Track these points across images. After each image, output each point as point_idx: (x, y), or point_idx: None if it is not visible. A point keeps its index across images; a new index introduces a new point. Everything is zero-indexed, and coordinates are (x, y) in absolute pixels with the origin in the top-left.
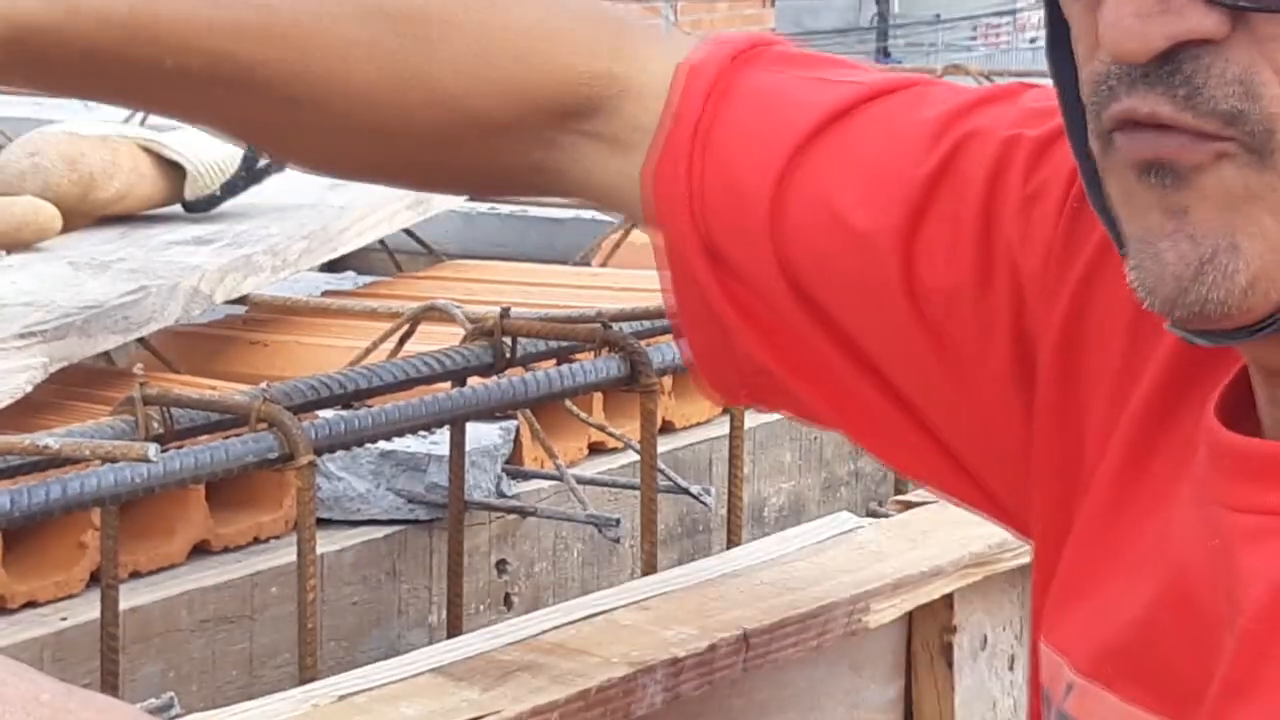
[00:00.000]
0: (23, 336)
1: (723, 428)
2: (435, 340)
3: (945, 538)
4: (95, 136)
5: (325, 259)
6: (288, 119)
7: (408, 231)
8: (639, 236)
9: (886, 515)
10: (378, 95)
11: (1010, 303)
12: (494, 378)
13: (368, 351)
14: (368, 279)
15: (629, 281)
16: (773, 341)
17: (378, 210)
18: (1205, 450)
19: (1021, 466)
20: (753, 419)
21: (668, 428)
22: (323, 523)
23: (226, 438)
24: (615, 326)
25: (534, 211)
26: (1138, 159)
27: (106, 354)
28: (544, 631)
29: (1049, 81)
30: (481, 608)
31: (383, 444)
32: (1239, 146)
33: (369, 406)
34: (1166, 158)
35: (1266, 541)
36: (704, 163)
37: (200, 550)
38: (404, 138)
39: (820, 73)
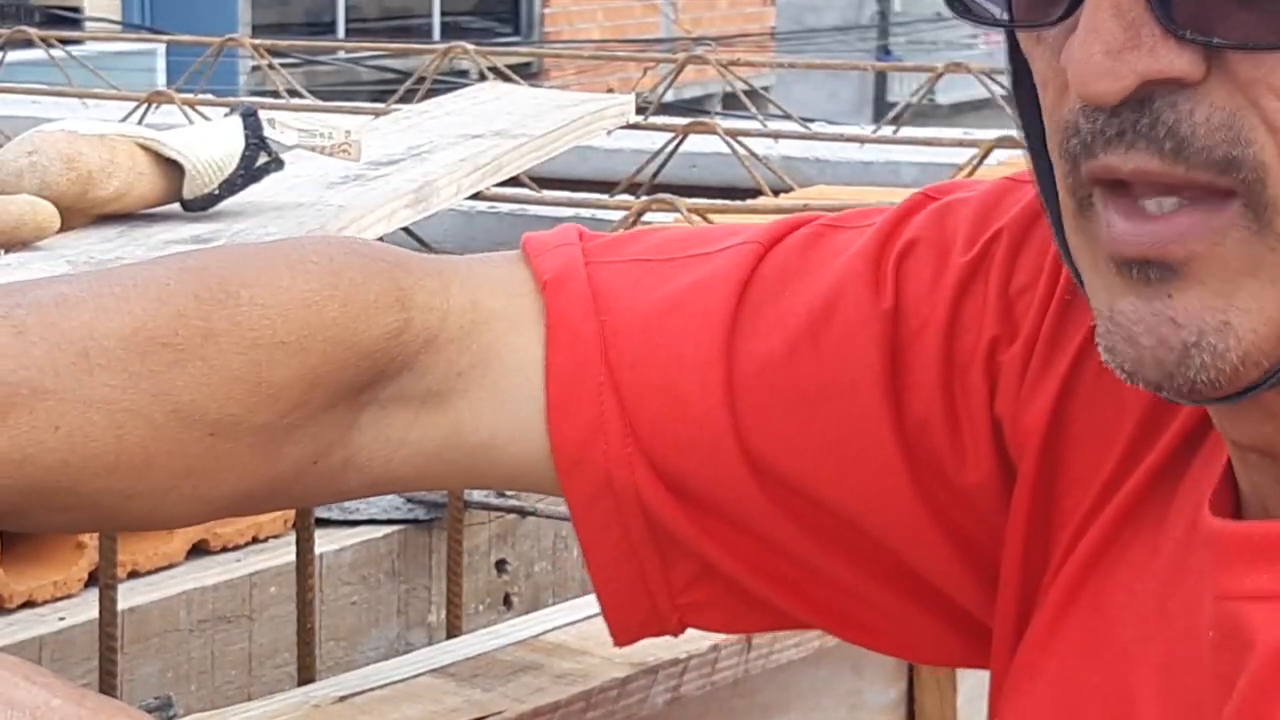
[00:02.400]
0: None
1: None
2: None
3: None
4: (93, 135)
5: None
6: (23, 501)
7: (407, 230)
8: None
9: None
10: (126, 445)
11: (985, 397)
12: None
13: None
14: None
15: None
16: (734, 552)
17: (376, 209)
18: (1196, 538)
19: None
20: None
21: None
22: (322, 522)
23: None
24: None
25: (533, 210)
26: (1123, 254)
27: None
28: (546, 631)
29: None
30: (481, 607)
31: None
32: (1239, 202)
33: None
34: (1155, 258)
35: (1267, 610)
36: (623, 379)
37: (199, 550)
38: (164, 479)
39: (668, 250)
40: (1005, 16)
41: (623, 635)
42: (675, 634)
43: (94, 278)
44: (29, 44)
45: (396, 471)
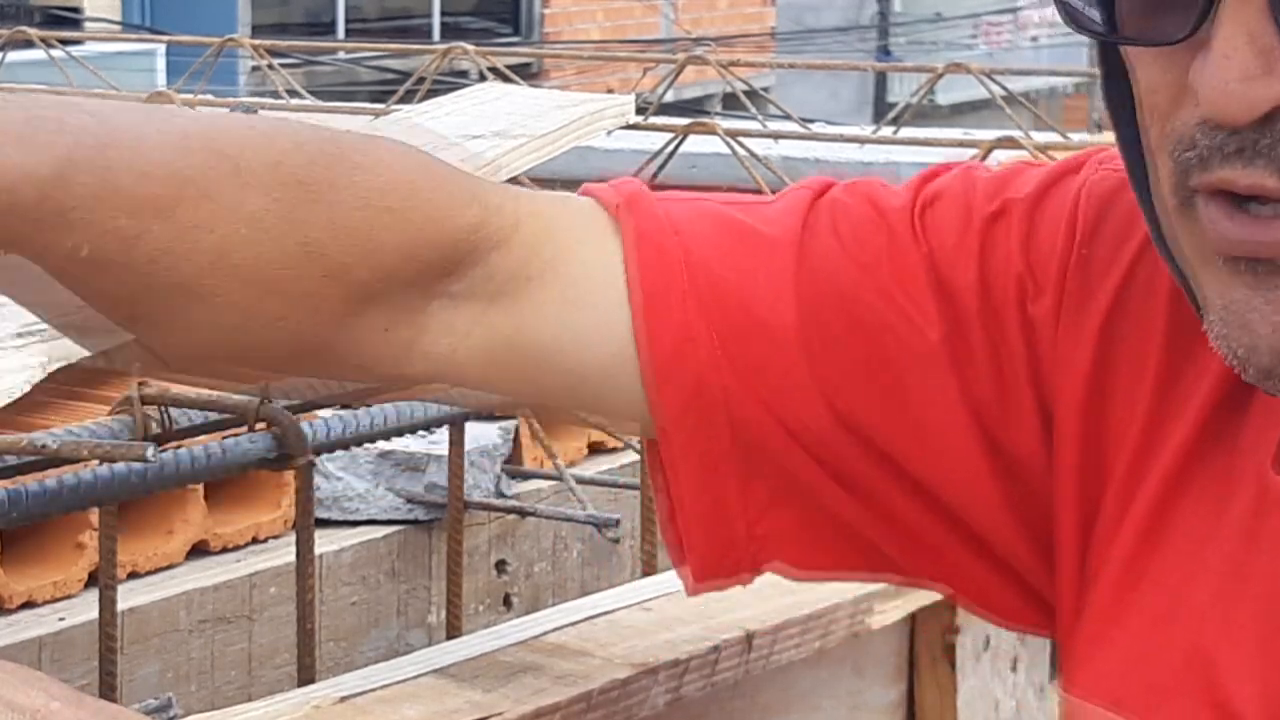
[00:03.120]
0: (21, 336)
1: None
2: None
3: None
4: None
5: None
6: (167, 302)
7: None
8: None
9: None
10: (262, 263)
11: (1025, 350)
12: None
13: None
14: None
15: None
16: (808, 475)
17: None
18: (1271, 501)
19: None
20: None
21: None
22: (321, 523)
23: (225, 437)
24: None
25: None
26: (1229, 253)
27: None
28: (546, 632)
29: (1051, 80)
30: (481, 608)
31: (382, 444)
32: None
33: (368, 406)
34: (1265, 256)
35: None
36: (707, 295)
37: (199, 550)
38: (277, 306)
39: (725, 198)
40: (1113, 28)
41: (700, 573)
42: (749, 578)
43: (234, 115)
44: (29, 44)
45: (459, 364)
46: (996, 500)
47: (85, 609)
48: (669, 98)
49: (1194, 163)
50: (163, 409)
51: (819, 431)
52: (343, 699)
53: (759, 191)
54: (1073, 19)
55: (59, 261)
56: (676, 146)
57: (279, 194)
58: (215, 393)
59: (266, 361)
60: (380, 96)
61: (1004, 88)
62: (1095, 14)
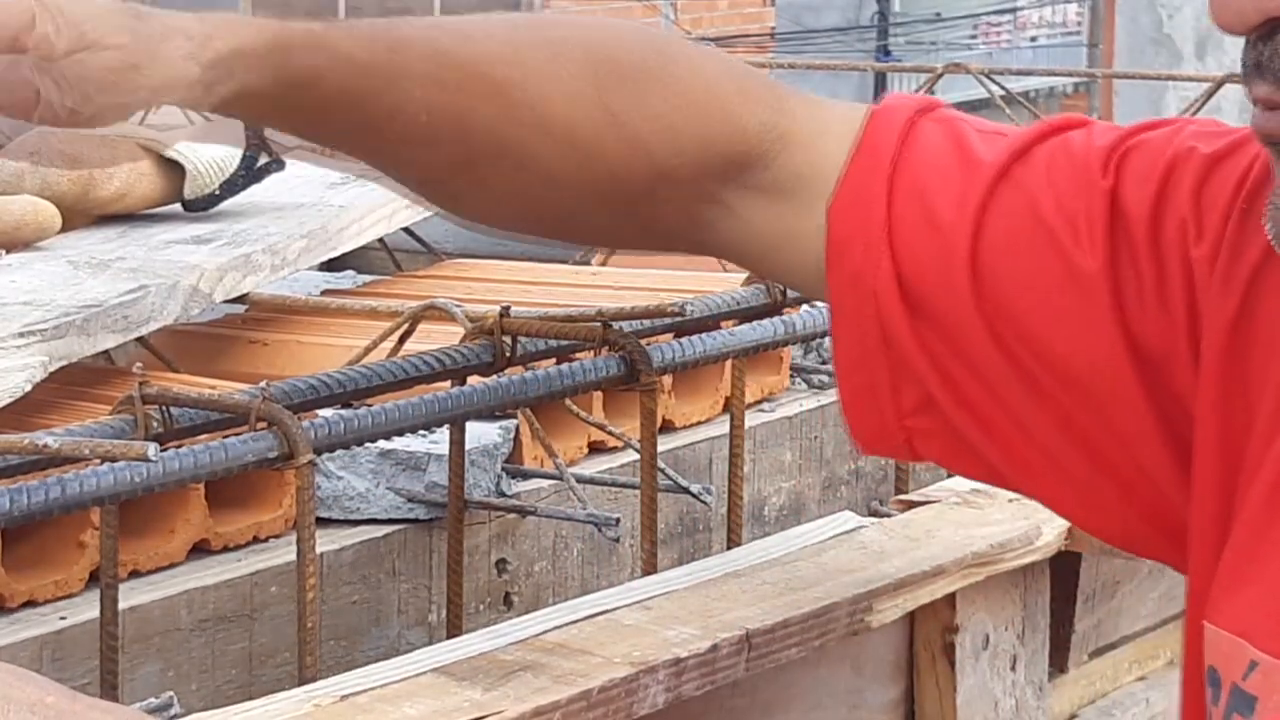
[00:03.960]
0: (22, 335)
1: (723, 427)
2: (435, 339)
3: (947, 537)
4: (95, 135)
5: (325, 258)
6: (492, 167)
7: (407, 230)
8: None
9: (888, 515)
10: (577, 137)
11: (1184, 288)
12: (494, 376)
13: (367, 350)
14: (367, 278)
15: (629, 280)
16: (952, 385)
17: (377, 209)
18: None
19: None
20: (753, 418)
21: (668, 427)
22: (322, 522)
23: (226, 437)
24: (615, 325)
25: None
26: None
27: (106, 353)
28: (546, 631)
29: (1050, 80)
30: (481, 607)
31: (382, 443)
32: None
33: (369, 405)
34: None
35: None
36: (898, 198)
37: (200, 549)
38: (589, 183)
39: (989, 126)
40: None
41: (864, 441)
42: (908, 458)
43: (560, 13)
44: None
45: (743, 243)
46: (1146, 416)
47: (86, 608)
48: None
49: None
50: (164, 408)
51: (969, 332)
52: (343, 697)
53: None
54: None
55: (398, 130)
56: None
57: (593, 78)
58: (216, 393)
59: (578, 230)
60: None
61: (1003, 88)
62: None
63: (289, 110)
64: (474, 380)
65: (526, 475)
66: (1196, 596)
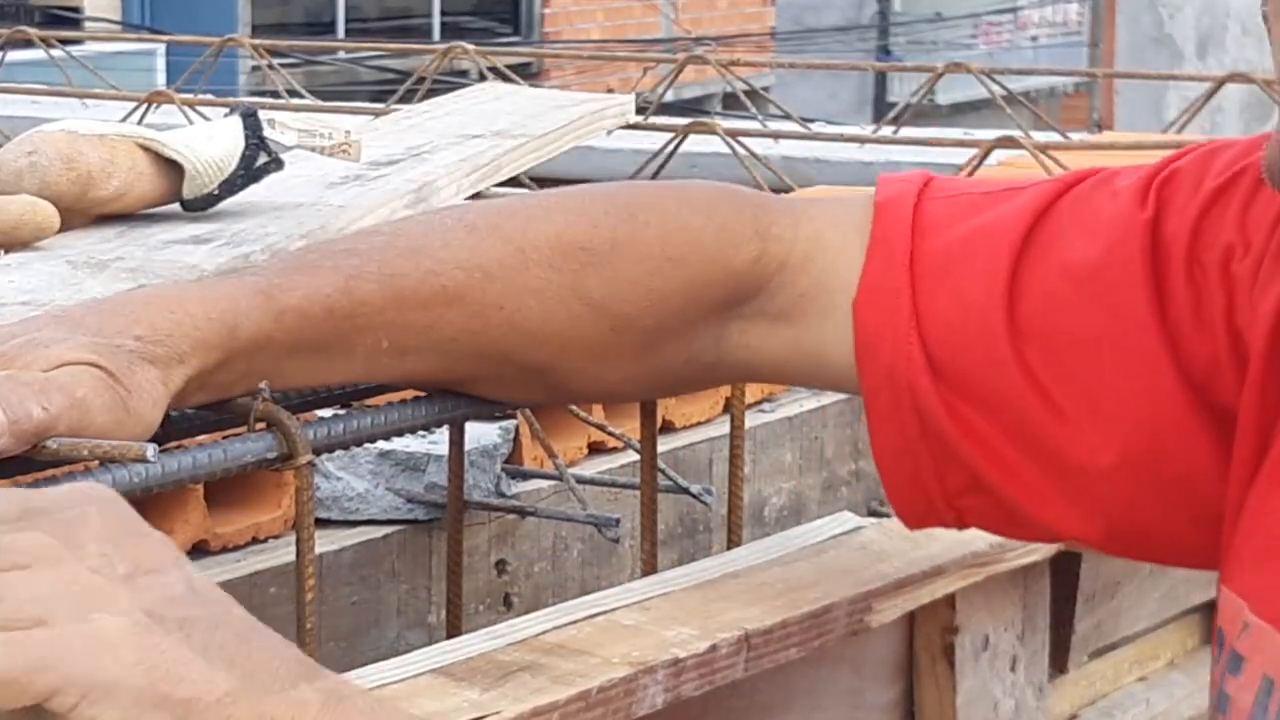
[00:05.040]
0: None
1: (723, 428)
2: None
3: (946, 537)
4: (93, 135)
5: None
6: (472, 369)
7: None
8: None
9: (888, 515)
10: (552, 328)
11: (1224, 302)
12: None
13: None
14: None
15: None
16: (997, 460)
17: (376, 209)
18: None
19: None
20: (753, 418)
21: (668, 427)
22: (321, 522)
23: (225, 437)
24: None
25: None
26: None
27: None
28: (544, 631)
29: (1050, 80)
30: (481, 608)
31: (381, 444)
32: None
33: (368, 406)
34: None
35: None
36: (922, 286)
37: (198, 550)
38: (577, 360)
39: (994, 187)
40: None
41: (911, 522)
42: (961, 528)
43: (522, 195)
44: (29, 44)
45: (755, 370)
46: (1201, 438)
47: None
48: (669, 97)
49: None
50: None
51: (1022, 414)
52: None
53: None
54: None
55: (362, 358)
56: (676, 146)
57: (560, 264)
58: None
59: (583, 399)
60: (380, 96)
61: (1004, 87)
62: None
63: (244, 376)
64: None
65: (526, 476)
66: (1222, 561)
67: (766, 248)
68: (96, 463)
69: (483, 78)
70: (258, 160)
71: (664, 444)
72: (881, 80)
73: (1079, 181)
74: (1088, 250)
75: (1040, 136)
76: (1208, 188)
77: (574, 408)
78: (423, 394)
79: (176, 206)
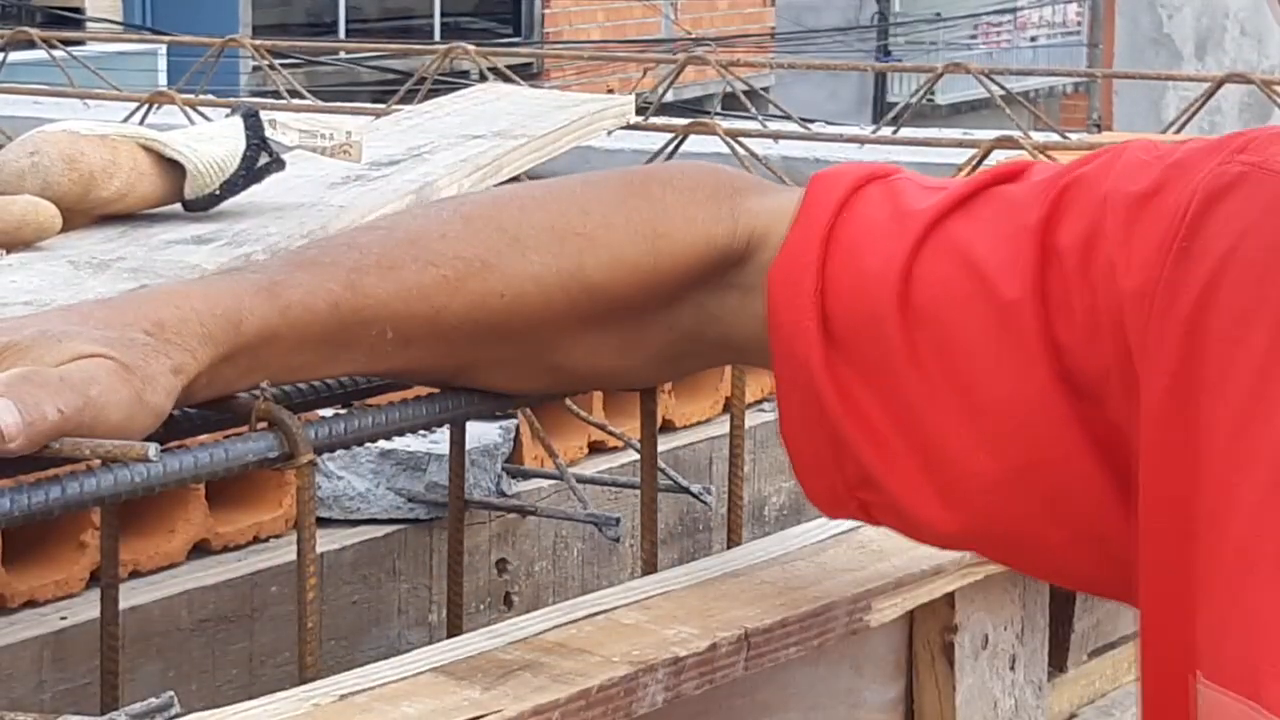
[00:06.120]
0: None
1: (723, 427)
2: None
3: None
4: (95, 135)
5: None
6: (474, 355)
7: None
8: None
9: None
10: (551, 312)
11: (1113, 321)
12: None
13: None
14: None
15: None
16: (883, 450)
17: (377, 210)
18: None
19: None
20: (753, 418)
21: (668, 427)
22: (322, 522)
23: (226, 437)
24: None
25: None
26: None
27: None
28: (545, 630)
29: (1049, 80)
30: (482, 607)
31: (382, 443)
32: None
33: (369, 406)
34: None
35: None
36: (831, 257)
37: (200, 549)
38: (574, 340)
39: (936, 182)
40: None
41: (825, 509)
42: (866, 521)
43: (515, 185)
44: (30, 44)
45: (735, 344)
46: (1081, 444)
47: (87, 608)
48: (669, 98)
49: None
50: None
51: (908, 400)
52: (342, 697)
53: None
54: None
55: (366, 350)
56: (677, 146)
57: (558, 249)
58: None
59: (581, 382)
60: (381, 96)
61: (1003, 88)
62: None
63: (250, 371)
64: None
65: (527, 475)
66: (1154, 641)
67: (739, 220)
68: (99, 461)
69: (483, 78)
70: (259, 160)
71: (664, 443)
72: (881, 80)
73: (1001, 178)
74: (984, 246)
75: (1039, 137)
76: (1096, 197)
77: (574, 407)
78: (424, 393)
79: (178, 207)
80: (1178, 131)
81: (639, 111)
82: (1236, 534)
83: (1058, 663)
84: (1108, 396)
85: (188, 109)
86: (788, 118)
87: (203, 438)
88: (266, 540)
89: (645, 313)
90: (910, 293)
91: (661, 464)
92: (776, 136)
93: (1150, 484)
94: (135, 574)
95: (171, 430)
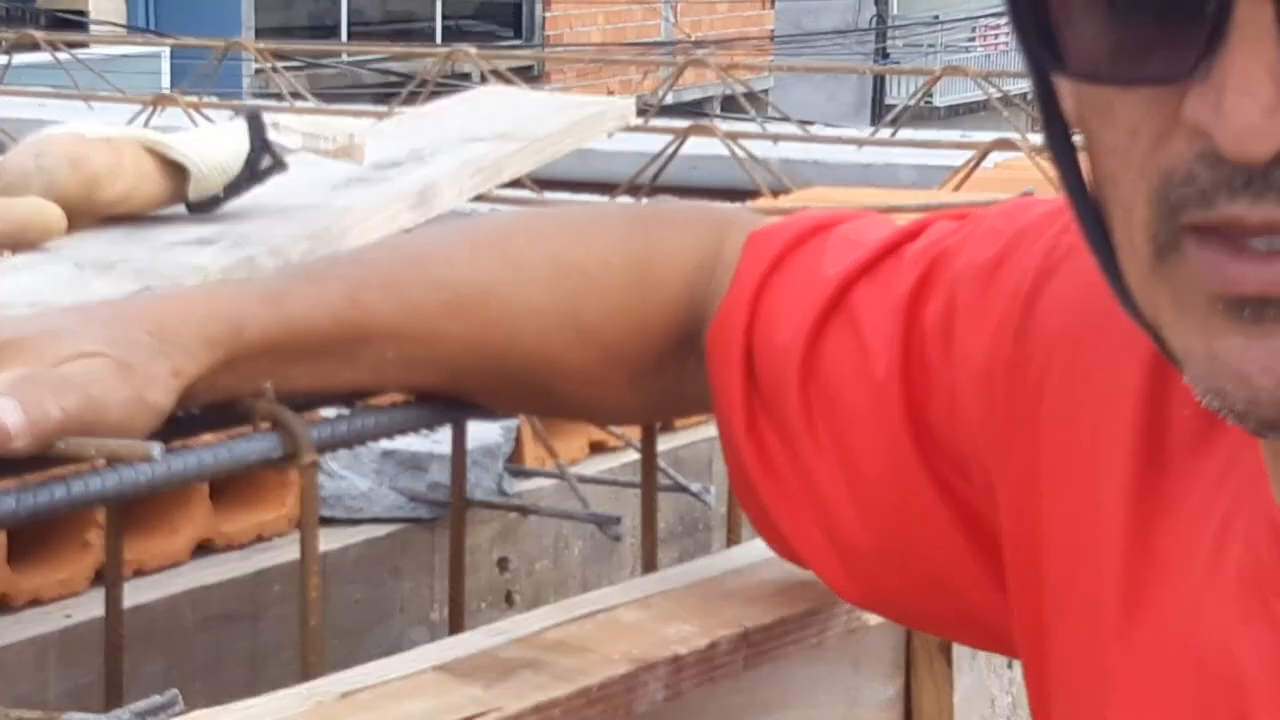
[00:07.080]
0: None
1: None
2: None
3: None
4: (99, 137)
5: None
6: (474, 382)
7: (410, 232)
8: None
9: None
10: (547, 352)
11: (980, 414)
12: None
13: None
14: None
15: None
16: (796, 517)
17: (379, 211)
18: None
19: (991, 583)
20: None
21: (668, 426)
22: (325, 521)
23: (230, 437)
24: None
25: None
26: (1234, 293)
27: None
28: (546, 629)
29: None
30: (483, 605)
31: (385, 443)
32: None
33: (371, 405)
34: (1275, 295)
35: None
36: (757, 322)
37: (203, 548)
38: (571, 386)
39: (863, 235)
40: (1091, 72)
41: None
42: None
43: (524, 213)
44: (35, 47)
45: (709, 401)
46: (945, 521)
47: (91, 606)
48: (669, 100)
49: (1191, 199)
50: None
51: (815, 477)
52: (344, 695)
53: (759, 193)
54: (1038, 64)
55: (368, 367)
56: (676, 148)
57: (557, 284)
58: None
59: (581, 421)
60: (383, 99)
61: (1001, 90)
62: (1069, 56)
63: (249, 378)
64: None
65: (528, 475)
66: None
67: (718, 272)
68: (103, 461)
69: (485, 81)
70: (262, 162)
71: (664, 443)
72: (879, 83)
73: (915, 234)
74: (871, 318)
75: (1036, 138)
76: (960, 273)
77: None
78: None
79: (182, 208)
80: None
81: (639, 114)
82: (1066, 652)
83: None
84: (973, 479)
85: (191, 111)
86: (787, 120)
87: (206, 437)
88: (269, 539)
89: (639, 364)
90: (812, 364)
91: (662, 463)
92: (775, 138)
93: (1014, 579)
94: (139, 573)
95: (175, 430)
